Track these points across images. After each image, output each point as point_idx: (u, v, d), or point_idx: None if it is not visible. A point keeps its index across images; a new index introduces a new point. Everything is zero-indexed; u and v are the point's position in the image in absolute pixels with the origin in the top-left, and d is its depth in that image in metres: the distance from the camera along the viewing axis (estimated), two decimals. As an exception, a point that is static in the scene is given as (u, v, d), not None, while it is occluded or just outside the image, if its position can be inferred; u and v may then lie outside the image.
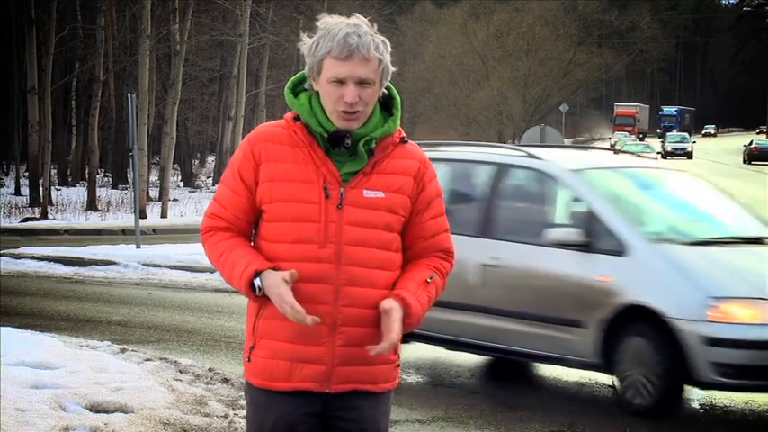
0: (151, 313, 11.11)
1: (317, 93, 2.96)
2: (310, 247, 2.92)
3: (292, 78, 3.06)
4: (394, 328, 2.91)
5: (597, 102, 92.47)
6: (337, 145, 2.93)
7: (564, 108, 61.33)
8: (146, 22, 28.85)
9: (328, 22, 2.93)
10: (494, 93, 59.69)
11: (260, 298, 2.95)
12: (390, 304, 2.92)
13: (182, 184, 43.13)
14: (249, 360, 3.04)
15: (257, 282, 2.89)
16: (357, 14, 2.96)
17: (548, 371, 8.27)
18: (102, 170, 44.17)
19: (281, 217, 2.95)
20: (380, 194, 2.96)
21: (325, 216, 2.93)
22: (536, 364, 8.25)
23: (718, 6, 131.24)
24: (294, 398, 2.98)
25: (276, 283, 2.87)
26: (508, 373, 8.27)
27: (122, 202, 31.93)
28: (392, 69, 2.97)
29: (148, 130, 30.60)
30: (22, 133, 37.87)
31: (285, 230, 2.94)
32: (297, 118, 2.99)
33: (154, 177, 39.27)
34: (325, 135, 2.93)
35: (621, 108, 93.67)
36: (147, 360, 7.75)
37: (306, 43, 2.96)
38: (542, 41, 61.95)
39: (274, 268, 2.91)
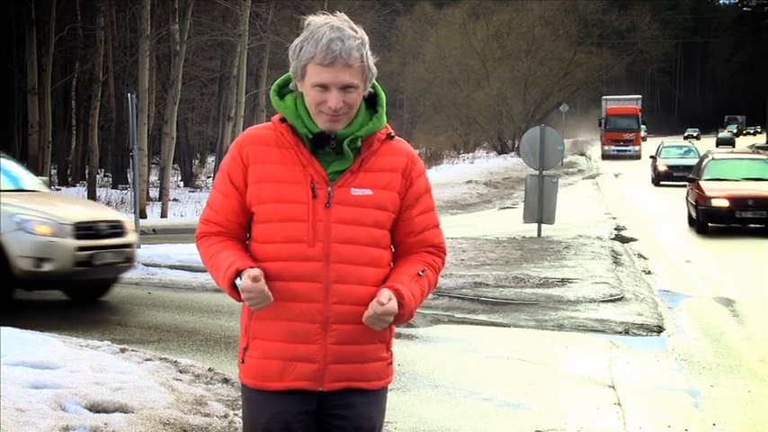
0: (151, 313, 11.11)
1: (302, 94, 2.98)
2: (299, 246, 2.94)
3: (278, 81, 3.08)
4: (385, 301, 2.89)
5: (597, 102, 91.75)
6: (322, 146, 2.96)
7: (564, 108, 61.31)
8: (145, 22, 28.85)
9: (314, 21, 2.94)
10: (494, 93, 59.77)
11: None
12: (384, 292, 2.92)
13: (182, 184, 43.06)
14: (243, 361, 3.06)
15: (239, 282, 2.90)
16: (338, 12, 2.97)
17: (548, 370, 8.27)
18: (102, 170, 44.08)
19: (270, 218, 2.98)
20: (368, 192, 2.98)
21: (313, 215, 2.94)
22: (536, 363, 8.21)
23: (718, 7, 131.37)
24: (289, 396, 2.99)
25: (243, 281, 2.87)
26: (508, 373, 8.28)
27: (122, 202, 31.85)
28: (375, 70, 2.98)
29: (148, 130, 30.58)
30: (22, 133, 37.82)
31: (274, 231, 2.97)
32: (283, 119, 3.02)
33: (154, 177, 39.26)
34: (310, 136, 2.96)
35: (614, 103, 64.50)
36: (147, 360, 7.73)
37: (291, 44, 2.99)
38: (542, 41, 62.03)
39: (260, 269, 2.92)
